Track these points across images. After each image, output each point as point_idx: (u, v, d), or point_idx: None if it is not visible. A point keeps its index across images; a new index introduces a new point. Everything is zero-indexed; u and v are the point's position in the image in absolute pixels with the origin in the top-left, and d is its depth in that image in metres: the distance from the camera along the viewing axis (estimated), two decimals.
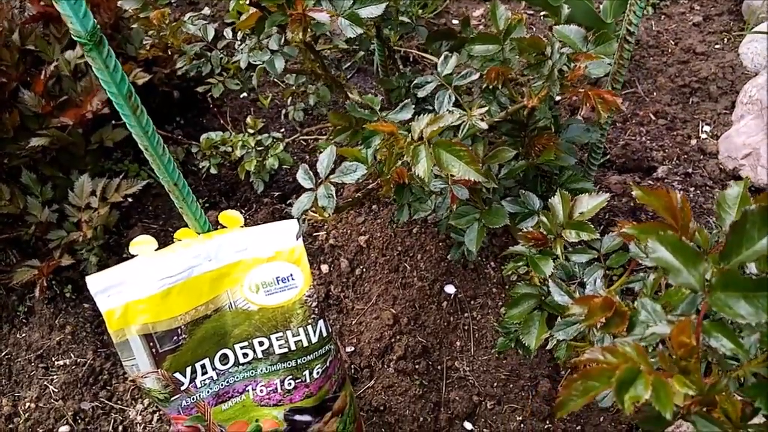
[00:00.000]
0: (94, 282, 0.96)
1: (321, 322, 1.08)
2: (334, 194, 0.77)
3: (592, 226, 0.85)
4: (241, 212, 1.85)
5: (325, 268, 1.71)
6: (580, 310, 0.60)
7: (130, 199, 1.87)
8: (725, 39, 2.23)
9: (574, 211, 0.88)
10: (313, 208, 0.80)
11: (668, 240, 0.48)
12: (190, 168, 1.94)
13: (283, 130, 2.03)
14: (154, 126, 0.84)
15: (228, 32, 1.31)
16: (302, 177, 0.80)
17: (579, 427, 1.43)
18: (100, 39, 0.72)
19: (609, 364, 0.43)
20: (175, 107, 2.06)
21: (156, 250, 1.01)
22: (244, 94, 2.17)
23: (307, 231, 1.78)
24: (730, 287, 0.44)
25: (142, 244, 1.00)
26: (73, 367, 1.59)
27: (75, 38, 0.70)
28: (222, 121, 1.87)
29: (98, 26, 0.71)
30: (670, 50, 2.21)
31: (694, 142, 1.91)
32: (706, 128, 1.95)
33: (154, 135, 0.84)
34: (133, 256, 1.00)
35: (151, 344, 1.00)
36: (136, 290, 0.97)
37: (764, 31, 2.07)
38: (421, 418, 1.45)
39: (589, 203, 0.88)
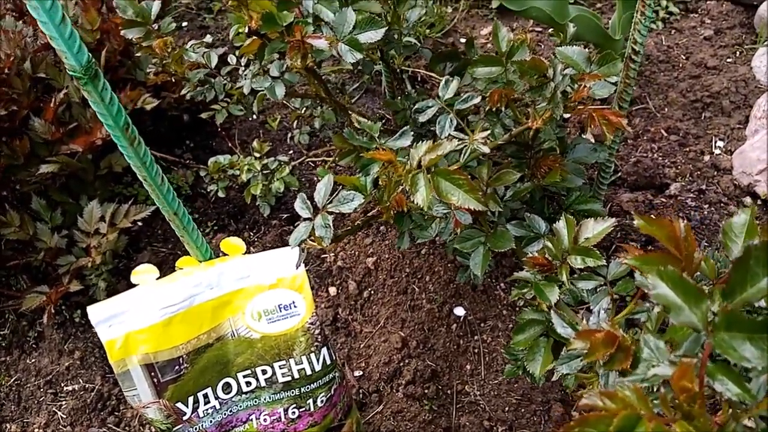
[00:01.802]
0: (96, 312, 0.95)
1: (324, 350, 1.06)
2: (331, 224, 0.76)
3: (598, 252, 0.83)
4: (250, 235, 1.85)
5: (333, 290, 1.70)
6: (582, 345, 0.58)
7: (139, 223, 1.87)
8: (737, 52, 2.20)
9: (580, 236, 0.86)
10: (312, 238, 0.79)
11: (669, 276, 0.46)
12: (199, 191, 1.94)
13: (291, 152, 2.03)
14: (152, 156, 0.84)
15: (232, 58, 1.31)
16: (300, 206, 0.79)
17: None
18: (95, 73, 0.72)
19: (608, 410, 0.41)
20: (184, 131, 2.07)
21: (158, 278, 1.00)
22: (254, 116, 2.18)
23: (314, 253, 1.78)
24: (734, 328, 0.42)
25: (144, 274, 0.99)
26: (82, 392, 1.59)
27: (70, 73, 0.70)
28: (230, 144, 1.88)
29: (93, 60, 0.71)
30: (681, 65, 2.19)
31: (707, 158, 1.88)
32: (720, 144, 1.92)
33: (152, 165, 0.84)
34: (134, 285, 1.00)
35: (153, 374, 0.99)
36: (137, 320, 0.97)
37: None
38: None
39: (595, 228, 0.85)
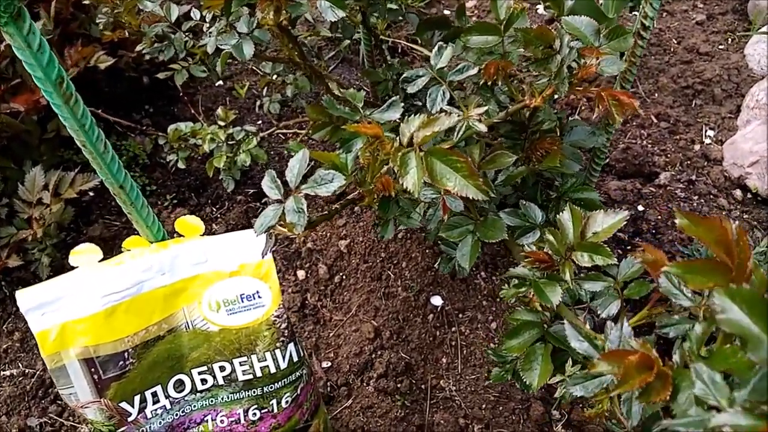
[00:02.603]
0: (26, 298, 0.82)
1: (291, 346, 0.95)
2: (305, 208, 0.64)
3: (608, 249, 0.73)
4: (212, 210, 1.71)
5: (301, 273, 1.58)
6: (608, 368, 0.48)
7: (90, 193, 1.71)
8: (729, 39, 2.12)
9: (587, 230, 0.76)
10: (281, 223, 0.66)
11: (744, 297, 0.36)
12: (157, 161, 1.79)
13: (260, 122, 1.89)
14: (92, 118, 0.70)
15: (196, 12, 1.17)
16: (268, 186, 0.66)
17: None
18: (18, 11, 0.58)
19: None
20: (143, 94, 1.91)
21: (100, 261, 0.87)
22: (220, 82, 2.03)
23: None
24: None
25: (84, 254, 0.86)
26: (21, 378, 1.44)
27: None
28: (193, 111, 1.73)
29: None
30: (672, 49, 2.10)
31: (697, 147, 1.81)
32: (710, 133, 1.84)
33: (93, 129, 0.70)
34: (73, 268, 0.86)
35: (93, 370, 0.86)
36: (75, 308, 0.83)
37: None
38: None
39: (605, 222, 0.75)
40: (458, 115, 0.74)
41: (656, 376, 0.45)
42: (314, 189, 0.65)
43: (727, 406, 0.38)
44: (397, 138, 0.69)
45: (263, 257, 0.83)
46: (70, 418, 1.40)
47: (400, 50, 2.04)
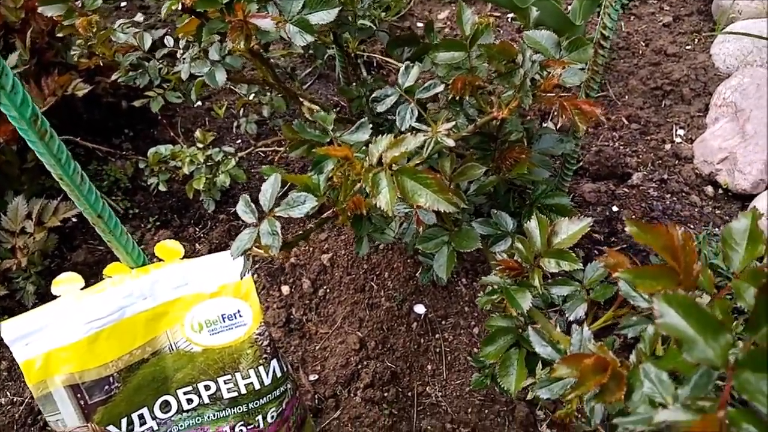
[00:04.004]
0: (9, 329, 0.83)
1: (274, 362, 0.97)
2: (279, 230, 0.66)
3: (574, 254, 0.75)
4: (195, 230, 1.73)
5: (285, 289, 1.60)
6: (567, 371, 0.50)
7: (73, 219, 1.72)
8: (696, 39, 2.18)
9: (553, 237, 0.79)
10: (258, 245, 0.69)
11: (680, 302, 0.39)
12: (139, 184, 1.80)
13: (239, 141, 1.91)
14: (68, 153, 0.72)
15: (170, 40, 1.19)
16: (243, 210, 0.69)
17: None
18: None
19: None
20: (122, 119, 1.92)
21: (82, 288, 0.88)
22: (199, 102, 2.05)
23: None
24: (762, 367, 0.35)
25: (66, 284, 0.87)
26: (9, 407, 1.45)
27: None
28: (173, 134, 1.74)
29: None
30: (640, 52, 2.15)
31: (668, 146, 1.85)
32: (680, 132, 1.89)
33: (69, 162, 0.72)
34: (55, 297, 0.88)
35: (79, 396, 0.88)
36: (58, 336, 0.85)
37: (737, 32, 2.03)
38: None
39: (570, 228, 0.78)
40: (425, 134, 0.77)
41: (610, 377, 0.48)
42: (287, 211, 0.67)
43: (671, 403, 0.41)
44: (367, 158, 0.72)
45: (241, 279, 0.85)
46: None
47: (375, 64, 2.08)
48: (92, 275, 1.57)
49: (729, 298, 0.55)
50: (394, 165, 0.69)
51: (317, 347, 1.51)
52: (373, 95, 0.93)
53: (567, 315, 0.77)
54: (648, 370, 0.44)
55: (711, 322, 0.38)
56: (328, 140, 0.80)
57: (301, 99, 1.11)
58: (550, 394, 0.55)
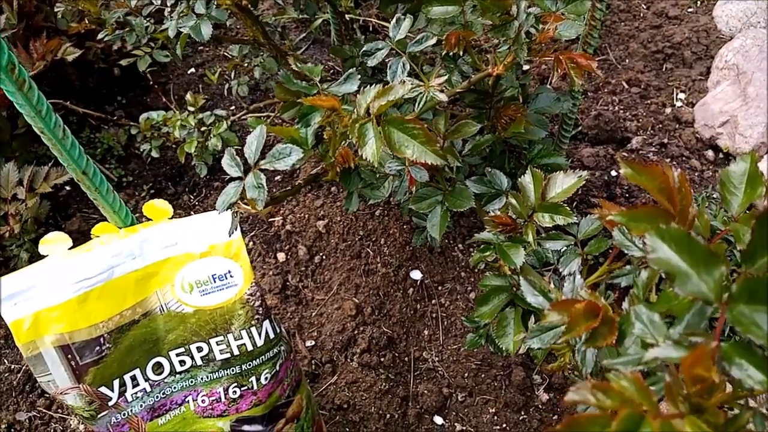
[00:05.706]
0: None
1: (267, 323, 0.96)
2: (265, 183, 0.64)
3: (568, 208, 0.74)
4: (190, 198, 1.71)
5: (281, 256, 1.59)
6: (558, 317, 0.49)
7: (67, 187, 1.71)
8: (698, 2, 2.13)
9: (547, 191, 0.77)
10: (244, 200, 0.67)
11: (672, 236, 0.37)
12: (133, 151, 1.78)
13: (232, 107, 1.88)
14: (49, 105, 0.70)
15: None
16: (228, 164, 0.67)
17: (555, 417, 1.35)
18: None
19: (603, 408, 0.32)
20: (115, 86, 1.89)
21: (71, 248, 0.87)
22: (192, 69, 2.01)
23: (261, 217, 1.65)
24: (757, 299, 0.33)
25: (54, 243, 0.86)
26: (7, 374, 1.45)
27: None
28: (165, 100, 1.72)
29: None
30: (641, 14, 2.11)
31: (668, 110, 1.82)
32: (681, 96, 1.86)
33: (49, 115, 0.70)
34: (43, 257, 0.87)
35: (69, 356, 0.87)
36: (47, 296, 0.84)
37: None
38: (388, 415, 1.35)
39: (564, 182, 0.76)
40: (413, 84, 0.75)
41: (602, 321, 0.46)
42: (273, 164, 0.66)
43: (662, 342, 0.40)
44: (354, 110, 0.70)
45: (230, 236, 0.84)
46: (59, 410, 1.41)
47: (371, 28, 2.04)
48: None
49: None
50: (382, 116, 0.67)
51: (313, 313, 1.50)
52: (364, 49, 0.90)
53: (561, 270, 0.76)
54: (640, 312, 0.43)
55: (704, 255, 0.36)
56: (315, 92, 0.78)
57: (290, 57, 1.09)
58: (540, 343, 0.54)
